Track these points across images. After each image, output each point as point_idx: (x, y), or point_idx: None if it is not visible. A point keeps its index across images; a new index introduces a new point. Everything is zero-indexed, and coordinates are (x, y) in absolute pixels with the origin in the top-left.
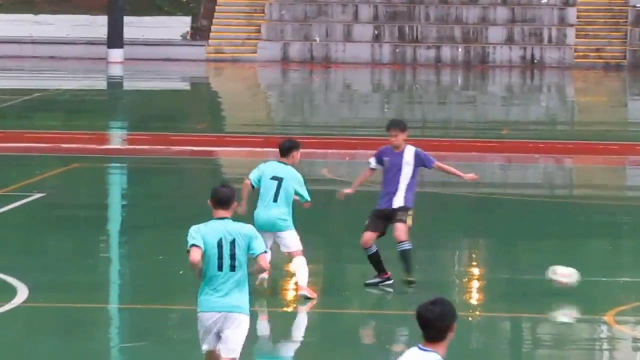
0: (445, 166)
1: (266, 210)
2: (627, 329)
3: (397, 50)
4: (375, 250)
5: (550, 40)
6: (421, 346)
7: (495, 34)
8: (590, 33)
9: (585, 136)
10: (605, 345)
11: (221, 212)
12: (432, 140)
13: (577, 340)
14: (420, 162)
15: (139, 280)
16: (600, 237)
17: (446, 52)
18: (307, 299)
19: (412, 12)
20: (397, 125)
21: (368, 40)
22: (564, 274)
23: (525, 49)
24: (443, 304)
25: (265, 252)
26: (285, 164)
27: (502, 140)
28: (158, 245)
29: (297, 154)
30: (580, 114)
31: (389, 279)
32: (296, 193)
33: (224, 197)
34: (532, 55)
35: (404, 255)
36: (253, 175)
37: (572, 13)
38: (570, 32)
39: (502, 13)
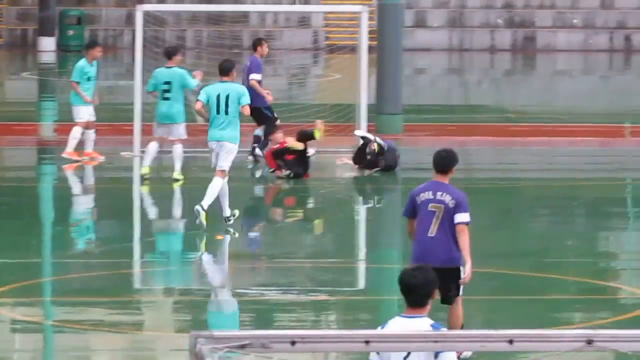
0: None
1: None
2: (5, 311)
3: None
4: None
5: None
6: (405, 314)
7: None
8: None
9: None
10: None
11: (224, 78)
12: None
13: None
14: None
15: None
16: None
17: None
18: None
19: None
20: None
21: None
22: None
23: None
24: (426, 271)
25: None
26: (170, 67)
27: None
28: None
29: (178, 57)
30: None
31: None
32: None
33: (225, 68)
34: None
35: None
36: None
37: None
38: None
39: None
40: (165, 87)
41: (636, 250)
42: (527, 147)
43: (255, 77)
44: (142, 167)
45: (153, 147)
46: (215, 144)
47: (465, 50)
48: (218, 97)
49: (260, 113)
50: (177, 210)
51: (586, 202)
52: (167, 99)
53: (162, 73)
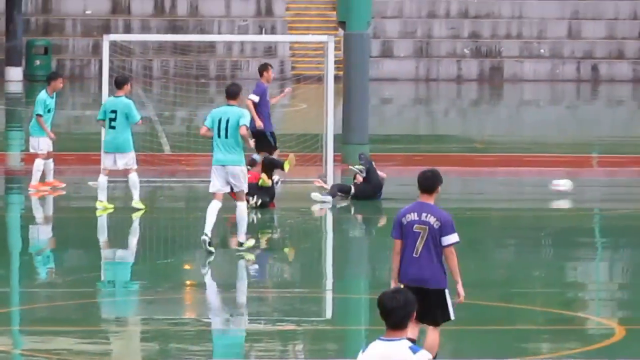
0: None
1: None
2: None
3: None
4: None
5: None
6: (385, 337)
7: None
8: None
9: None
10: None
11: (231, 101)
12: None
13: None
14: None
15: None
16: None
17: None
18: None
19: None
20: None
21: None
22: (559, 183)
23: None
24: (405, 293)
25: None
26: (118, 96)
27: None
28: None
29: (127, 86)
30: None
31: None
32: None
33: (232, 91)
34: None
35: None
36: None
37: None
38: None
39: None
40: (112, 115)
41: (604, 280)
42: (494, 177)
43: (252, 97)
44: (97, 201)
45: (103, 180)
46: (219, 168)
47: (432, 80)
48: (219, 120)
49: (263, 139)
50: (144, 240)
51: (553, 232)
52: (113, 127)
53: (109, 102)
